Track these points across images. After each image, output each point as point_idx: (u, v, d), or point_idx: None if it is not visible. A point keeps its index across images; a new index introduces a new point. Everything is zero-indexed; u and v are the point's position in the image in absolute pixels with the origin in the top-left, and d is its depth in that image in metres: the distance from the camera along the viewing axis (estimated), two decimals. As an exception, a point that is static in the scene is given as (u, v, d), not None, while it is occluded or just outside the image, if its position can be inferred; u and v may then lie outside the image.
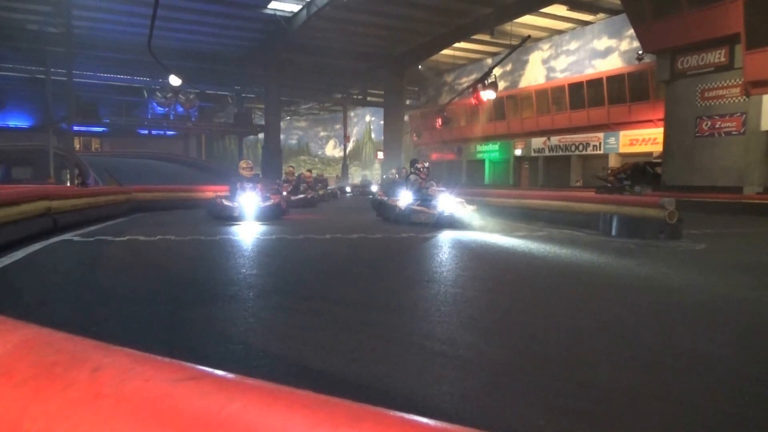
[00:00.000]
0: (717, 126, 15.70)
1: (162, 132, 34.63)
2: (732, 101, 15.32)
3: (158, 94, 29.96)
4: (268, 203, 10.74)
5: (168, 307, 3.62)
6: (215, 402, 0.45)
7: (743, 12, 13.63)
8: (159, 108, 30.65)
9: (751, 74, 13.94)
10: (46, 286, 4.38)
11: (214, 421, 0.44)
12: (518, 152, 28.89)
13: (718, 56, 15.43)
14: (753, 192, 14.58)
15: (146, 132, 34.64)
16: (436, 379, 2.35)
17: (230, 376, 0.50)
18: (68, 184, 21.30)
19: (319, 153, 52.59)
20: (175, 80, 21.17)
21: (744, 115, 15.06)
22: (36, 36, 22.86)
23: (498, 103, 25.89)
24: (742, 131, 15.17)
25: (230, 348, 2.78)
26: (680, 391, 2.27)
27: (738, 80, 14.83)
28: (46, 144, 25.29)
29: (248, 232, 8.32)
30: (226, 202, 10.56)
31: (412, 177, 10.55)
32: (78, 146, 32.19)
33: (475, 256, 6.42)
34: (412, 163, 11.14)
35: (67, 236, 7.44)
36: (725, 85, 15.44)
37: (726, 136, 15.50)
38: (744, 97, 14.81)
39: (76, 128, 25.43)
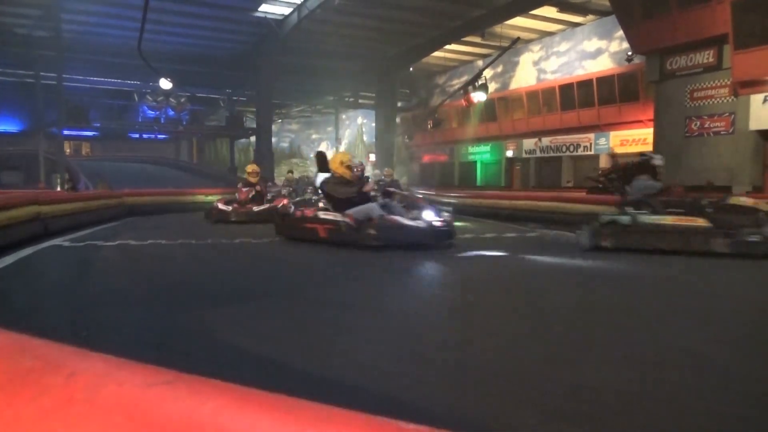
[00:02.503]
0: (706, 126, 15.80)
1: (153, 135, 34.43)
2: (721, 101, 15.42)
3: (149, 98, 29.75)
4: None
5: (159, 312, 3.61)
6: (187, 406, 0.46)
7: (731, 13, 13.73)
8: (150, 111, 30.45)
9: (739, 75, 14.04)
10: (36, 292, 4.35)
11: (186, 424, 0.44)
12: (510, 153, 28.94)
13: (706, 57, 15.53)
14: (742, 191, 14.67)
15: (137, 136, 34.46)
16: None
17: (203, 379, 0.51)
18: (58, 189, 21.16)
19: (312, 156, 52.54)
20: (165, 84, 21.09)
21: (732, 115, 15.16)
22: (25, 40, 22.70)
23: (489, 104, 25.93)
24: (730, 131, 15.27)
25: (222, 352, 2.78)
26: (671, 391, 2.29)
27: (726, 80, 14.93)
28: (36, 148, 25.11)
29: (239, 236, 8.29)
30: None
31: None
32: (68, 150, 31.93)
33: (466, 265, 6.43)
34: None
35: (57, 241, 7.40)
36: (714, 85, 15.54)
37: (715, 135, 15.60)
38: (732, 97, 14.91)
39: (66, 132, 25.24)
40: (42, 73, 24.01)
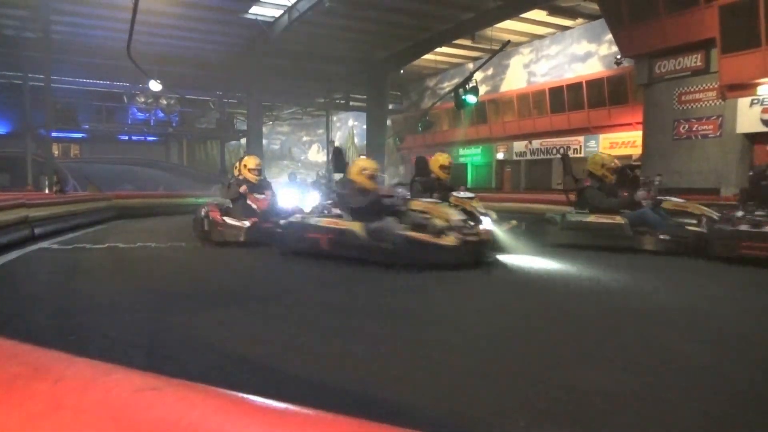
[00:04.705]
0: (694, 129, 15.95)
1: (143, 138, 34.19)
2: (708, 104, 15.57)
3: (138, 100, 29.57)
4: None
5: (148, 315, 3.59)
6: (174, 411, 0.46)
7: (718, 17, 13.87)
8: (139, 113, 30.25)
9: (727, 78, 14.18)
10: (24, 296, 4.32)
11: (173, 430, 0.44)
12: (500, 156, 29.04)
13: (694, 60, 15.67)
14: (730, 194, 14.79)
15: (127, 138, 34.18)
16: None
17: (191, 384, 0.51)
18: (47, 191, 20.98)
19: (302, 158, 52.41)
20: (155, 86, 20.98)
21: (720, 118, 15.31)
22: (13, 41, 22.51)
23: (480, 107, 26.02)
24: (718, 134, 15.42)
25: (209, 355, 2.77)
26: (659, 391, 2.30)
27: (714, 84, 15.06)
28: (24, 150, 24.89)
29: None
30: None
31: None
32: (57, 153, 31.66)
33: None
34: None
35: (45, 244, 7.34)
36: (702, 88, 15.68)
37: (703, 138, 15.74)
38: (720, 100, 15.05)
39: (54, 134, 25.05)
40: (30, 75, 23.82)
